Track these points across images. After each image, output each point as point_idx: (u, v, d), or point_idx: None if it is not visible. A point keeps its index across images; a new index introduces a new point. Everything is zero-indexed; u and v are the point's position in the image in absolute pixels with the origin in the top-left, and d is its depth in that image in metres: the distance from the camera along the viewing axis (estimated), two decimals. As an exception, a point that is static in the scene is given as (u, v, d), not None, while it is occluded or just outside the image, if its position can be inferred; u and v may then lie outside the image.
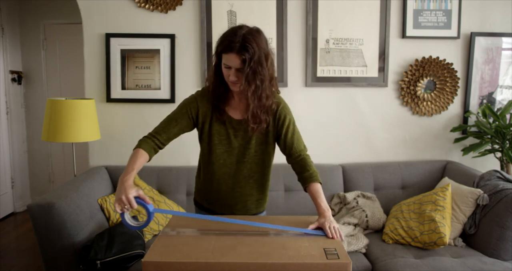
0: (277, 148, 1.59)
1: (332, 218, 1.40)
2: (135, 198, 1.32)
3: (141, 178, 2.50)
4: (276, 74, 1.52)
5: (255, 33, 1.42)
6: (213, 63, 1.50)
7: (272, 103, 1.50)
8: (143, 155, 1.46)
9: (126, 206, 1.32)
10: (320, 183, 1.51)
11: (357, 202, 2.48)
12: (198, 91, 1.59)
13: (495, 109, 2.82)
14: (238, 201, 1.60)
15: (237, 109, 1.54)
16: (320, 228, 1.38)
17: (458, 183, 2.37)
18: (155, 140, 1.51)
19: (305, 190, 1.53)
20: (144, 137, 1.53)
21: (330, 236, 1.33)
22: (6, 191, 3.89)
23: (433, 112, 2.82)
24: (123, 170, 1.39)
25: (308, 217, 1.50)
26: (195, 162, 1.75)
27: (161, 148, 1.54)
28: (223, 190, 1.58)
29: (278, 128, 1.56)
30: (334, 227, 1.36)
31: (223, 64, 1.43)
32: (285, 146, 1.57)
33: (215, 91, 1.51)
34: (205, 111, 1.54)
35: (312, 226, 1.38)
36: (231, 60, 1.39)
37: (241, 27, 1.42)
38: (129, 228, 1.38)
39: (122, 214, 1.35)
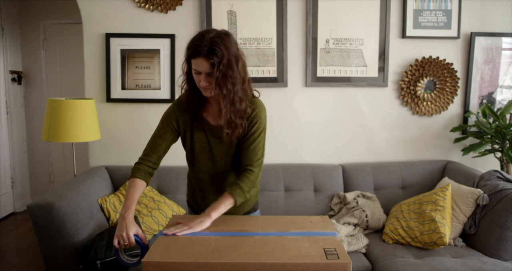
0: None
1: (195, 222, 1.35)
2: (134, 235, 1.36)
3: (141, 178, 2.50)
4: (249, 76, 1.48)
5: (223, 36, 1.39)
6: (184, 71, 1.47)
7: (246, 106, 1.45)
8: (139, 185, 1.48)
9: (125, 243, 1.34)
10: (235, 201, 1.43)
11: (357, 202, 2.48)
12: (175, 100, 1.58)
13: (495, 109, 2.82)
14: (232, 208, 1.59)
15: (214, 115, 1.52)
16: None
17: (458, 183, 2.37)
18: (148, 163, 1.52)
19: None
20: (136, 163, 1.53)
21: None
22: (6, 191, 3.89)
23: (433, 112, 2.82)
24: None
25: (308, 217, 1.50)
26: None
27: (155, 169, 1.55)
28: (211, 197, 1.56)
29: (245, 132, 1.50)
30: (180, 228, 1.33)
31: (193, 70, 1.40)
32: (241, 152, 1.53)
33: (189, 99, 1.50)
34: (185, 120, 1.53)
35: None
36: (200, 64, 1.36)
37: (208, 31, 1.39)
38: (122, 264, 1.40)
39: (116, 250, 1.37)
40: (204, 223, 1.36)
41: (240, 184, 1.46)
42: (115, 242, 1.35)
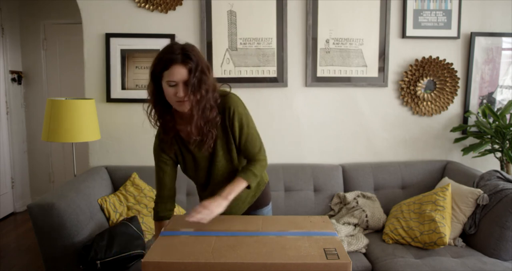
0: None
1: (213, 205, 1.36)
2: None
3: (141, 178, 2.50)
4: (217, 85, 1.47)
5: (191, 45, 1.40)
6: (152, 92, 1.43)
7: (216, 115, 1.44)
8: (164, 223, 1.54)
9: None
10: (249, 185, 1.48)
11: (357, 202, 2.48)
12: (156, 133, 1.58)
13: (495, 109, 2.82)
14: (238, 202, 1.61)
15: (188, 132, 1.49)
16: None
17: (458, 183, 2.37)
18: (161, 203, 1.59)
19: None
20: (154, 204, 1.61)
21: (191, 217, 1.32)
22: (6, 191, 3.89)
23: (433, 112, 2.82)
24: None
25: (308, 217, 1.50)
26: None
27: (172, 197, 1.60)
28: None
29: (232, 133, 1.51)
30: (198, 210, 1.33)
31: (167, 83, 1.36)
32: (240, 151, 1.55)
33: (163, 120, 1.49)
34: (171, 148, 1.53)
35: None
36: (177, 72, 1.33)
37: (175, 43, 1.40)
38: None
39: None
40: (221, 206, 1.39)
41: (252, 169, 1.51)
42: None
